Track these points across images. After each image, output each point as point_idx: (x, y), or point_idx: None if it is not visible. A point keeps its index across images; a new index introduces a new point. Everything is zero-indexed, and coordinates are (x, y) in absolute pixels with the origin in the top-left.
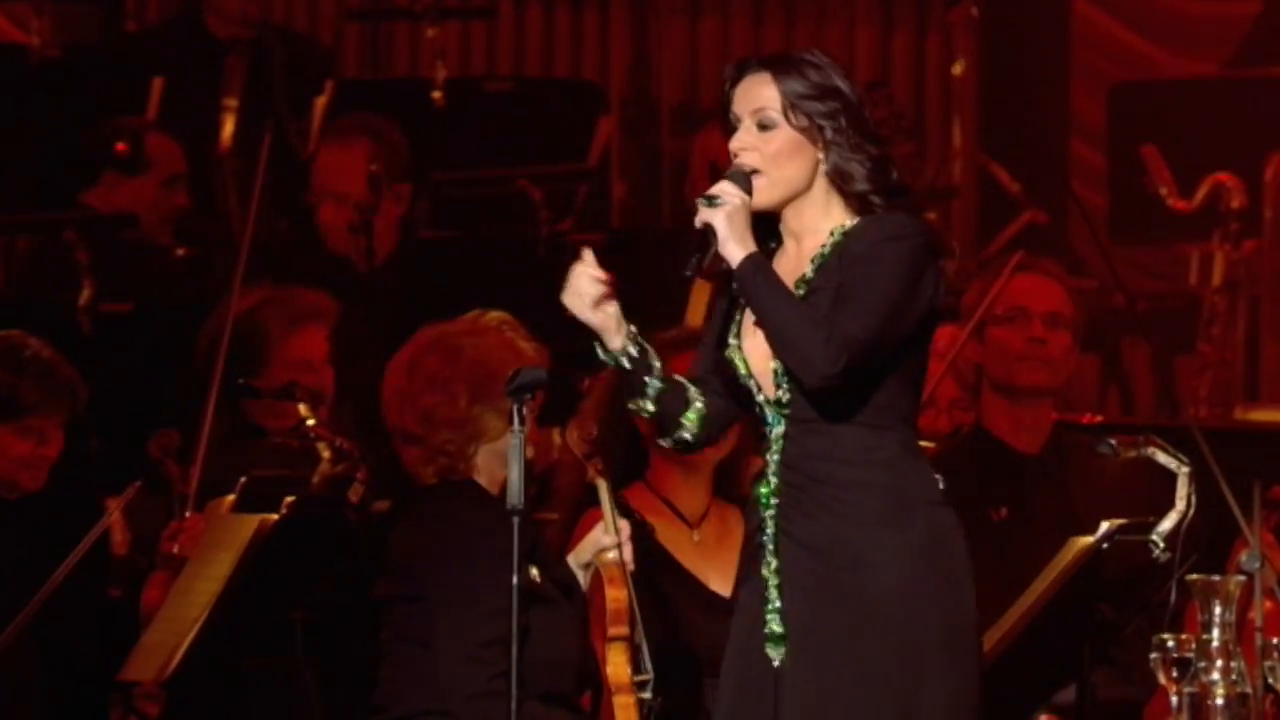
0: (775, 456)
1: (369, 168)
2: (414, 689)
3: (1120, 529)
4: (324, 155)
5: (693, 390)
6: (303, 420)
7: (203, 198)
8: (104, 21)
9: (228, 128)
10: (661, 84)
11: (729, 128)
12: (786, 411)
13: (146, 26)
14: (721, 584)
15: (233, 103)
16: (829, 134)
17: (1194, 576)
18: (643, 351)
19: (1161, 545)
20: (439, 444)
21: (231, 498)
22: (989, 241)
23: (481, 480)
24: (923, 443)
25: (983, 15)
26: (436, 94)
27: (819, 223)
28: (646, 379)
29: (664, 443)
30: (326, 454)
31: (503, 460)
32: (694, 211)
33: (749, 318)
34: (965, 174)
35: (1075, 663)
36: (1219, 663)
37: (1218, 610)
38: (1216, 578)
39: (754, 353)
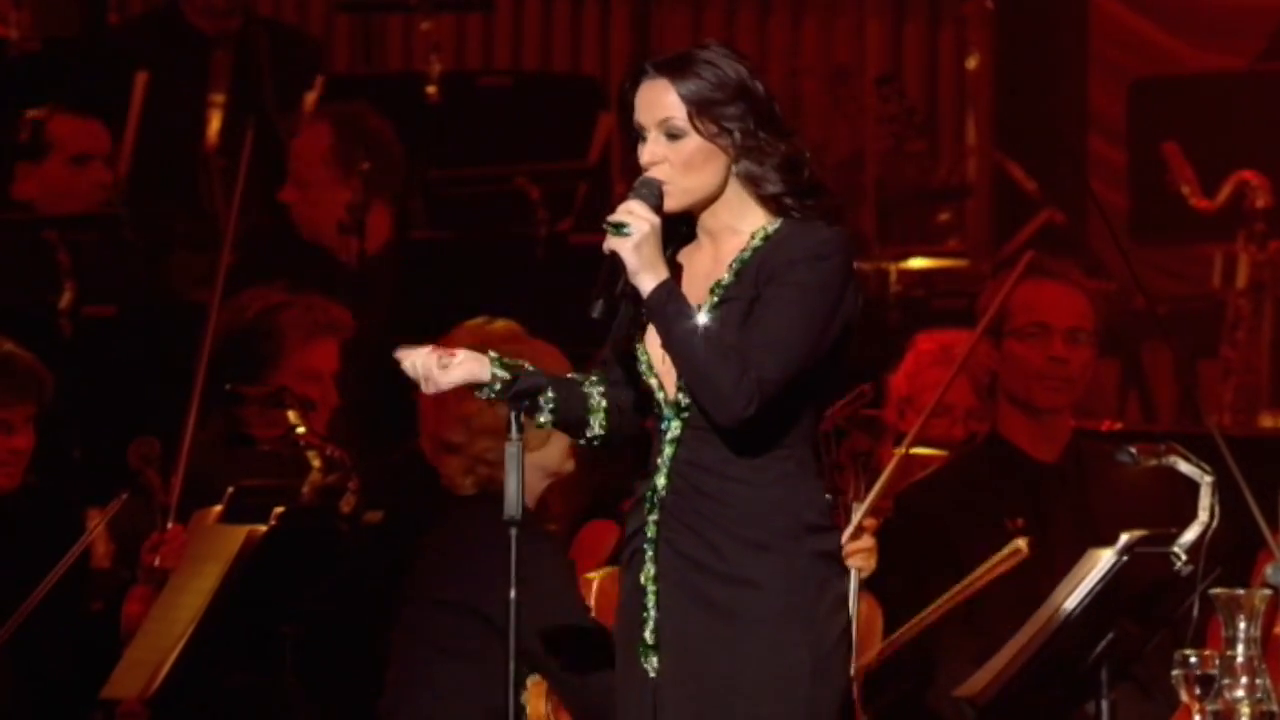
0: (666, 457)
1: (327, 149)
2: (420, 694)
3: (1141, 540)
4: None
5: (595, 390)
6: (293, 428)
7: (189, 196)
8: (84, 14)
9: (214, 124)
10: None
11: (634, 134)
12: (685, 415)
13: (128, 19)
14: None
15: (219, 98)
16: (738, 137)
17: (1217, 590)
18: (515, 370)
19: (1184, 557)
20: (478, 452)
21: (219, 508)
22: (1005, 241)
23: None
24: (934, 450)
25: (998, 7)
26: (431, 89)
27: (737, 223)
28: (536, 396)
29: (581, 444)
30: (317, 463)
31: (542, 473)
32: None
33: None
34: (980, 172)
35: (1095, 679)
36: (1244, 679)
37: (1242, 625)
38: (1241, 591)
39: (658, 349)
